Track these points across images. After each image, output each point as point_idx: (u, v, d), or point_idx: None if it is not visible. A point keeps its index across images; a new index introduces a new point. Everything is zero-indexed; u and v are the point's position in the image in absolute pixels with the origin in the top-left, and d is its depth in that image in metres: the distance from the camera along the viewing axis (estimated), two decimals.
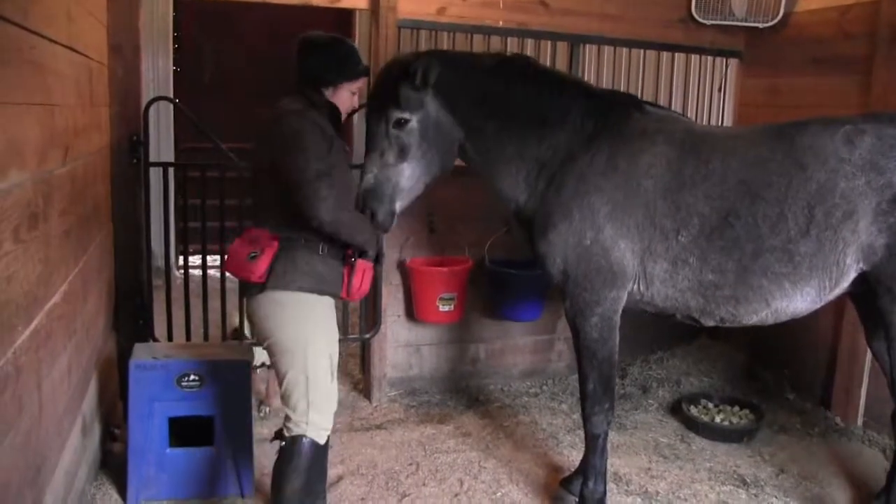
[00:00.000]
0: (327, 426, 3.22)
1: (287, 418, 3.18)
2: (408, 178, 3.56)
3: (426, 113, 3.55)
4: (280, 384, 3.20)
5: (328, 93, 3.26)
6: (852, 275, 3.44)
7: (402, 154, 3.53)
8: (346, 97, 3.33)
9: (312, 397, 3.13)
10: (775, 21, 5.32)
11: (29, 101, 2.59)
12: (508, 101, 3.65)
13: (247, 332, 4.67)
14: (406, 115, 3.51)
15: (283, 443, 3.17)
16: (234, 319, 4.87)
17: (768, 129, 3.65)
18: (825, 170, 3.36)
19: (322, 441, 3.21)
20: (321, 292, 3.17)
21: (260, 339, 3.26)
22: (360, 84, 3.38)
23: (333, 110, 3.29)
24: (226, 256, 3.19)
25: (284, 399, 3.18)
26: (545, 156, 3.66)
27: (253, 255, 3.07)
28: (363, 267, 3.27)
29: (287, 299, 3.11)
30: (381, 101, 3.56)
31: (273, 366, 3.25)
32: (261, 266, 3.06)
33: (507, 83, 3.66)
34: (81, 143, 3.49)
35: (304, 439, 3.13)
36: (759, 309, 3.54)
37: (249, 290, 3.17)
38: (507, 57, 3.99)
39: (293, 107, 3.14)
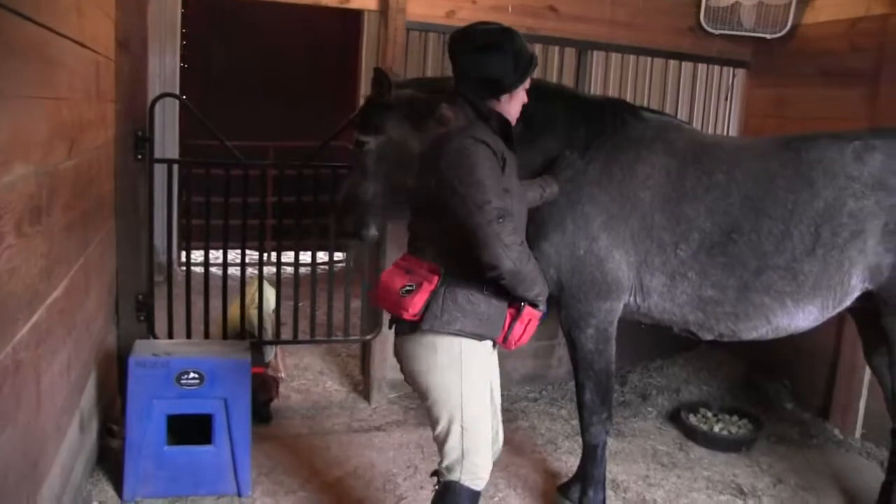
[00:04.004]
0: (484, 474, 2.87)
1: (441, 461, 2.88)
2: (373, 196, 3.60)
3: (387, 136, 3.53)
4: (432, 427, 2.87)
5: (504, 98, 2.81)
6: (856, 293, 3.41)
7: (364, 173, 3.58)
8: (522, 96, 2.88)
9: (468, 445, 2.80)
10: (783, 32, 5.31)
11: (36, 94, 2.59)
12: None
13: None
14: (363, 138, 3.55)
15: (437, 486, 2.90)
16: (235, 319, 4.86)
17: (775, 141, 3.61)
18: (833, 187, 3.31)
19: (478, 488, 2.87)
20: (481, 337, 2.77)
21: (408, 381, 2.91)
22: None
23: (504, 122, 2.83)
24: (378, 285, 2.82)
25: (438, 442, 2.87)
26: (534, 164, 3.52)
27: (408, 288, 2.68)
28: (529, 315, 2.82)
29: (442, 343, 2.72)
30: (355, 122, 3.66)
31: (425, 408, 2.90)
32: (416, 303, 2.66)
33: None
34: (87, 137, 3.49)
35: (457, 485, 2.83)
36: (760, 326, 3.50)
37: (399, 326, 2.81)
38: None
39: (460, 123, 2.74)
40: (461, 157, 2.60)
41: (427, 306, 2.68)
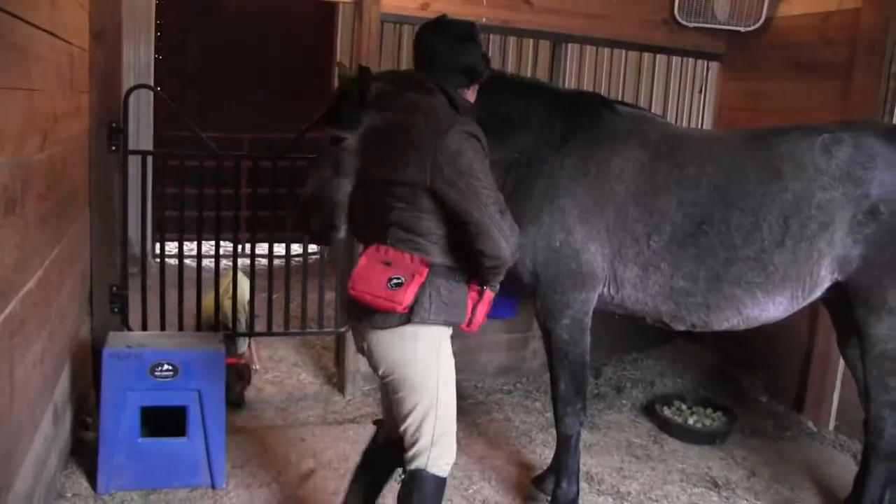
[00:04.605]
0: (451, 460, 2.90)
1: (405, 450, 2.87)
2: (344, 195, 3.51)
3: (364, 131, 3.42)
4: (402, 418, 2.84)
5: (473, 88, 2.89)
6: (826, 284, 3.46)
7: (338, 170, 3.49)
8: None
9: (438, 432, 2.82)
10: (757, 25, 5.36)
11: (9, 85, 2.56)
12: None
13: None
14: (341, 133, 3.44)
15: (404, 476, 2.90)
16: (209, 311, 4.84)
17: (746, 134, 3.65)
18: (802, 180, 3.35)
19: (444, 475, 2.89)
20: (453, 323, 2.82)
21: (379, 372, 2.87)
22: None
23: (474, 111, 2.86)
24: (354, 278, 2.71)
25: (406, 432, 2.85)
26: (510, 159, 3.55)
27: (397, 281, 2.63)
28: (489, 297, 2.87)
29: (424, 333, 2.74)
30: (325, 117, 3.49)
31: (394, 401, 2.87)
32: (408, 296, 2.62)
33: None
34: (61, 128, 3.46)
35: (424, 473, 2.83)
36: (731, 316, 3.54)
37: (382, 319, 2.72)
38: None
39: (447, 116, 2.69)
40: (459, 152, 2.61)
41: (416, 299, 2.67)
